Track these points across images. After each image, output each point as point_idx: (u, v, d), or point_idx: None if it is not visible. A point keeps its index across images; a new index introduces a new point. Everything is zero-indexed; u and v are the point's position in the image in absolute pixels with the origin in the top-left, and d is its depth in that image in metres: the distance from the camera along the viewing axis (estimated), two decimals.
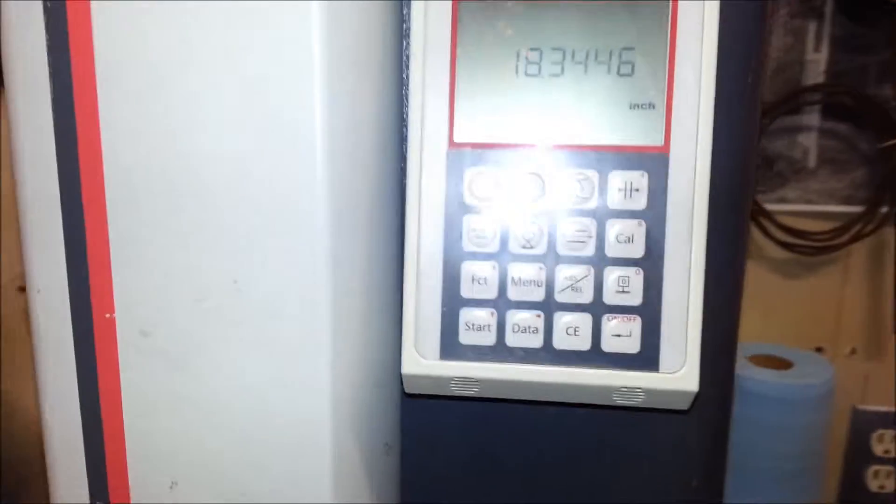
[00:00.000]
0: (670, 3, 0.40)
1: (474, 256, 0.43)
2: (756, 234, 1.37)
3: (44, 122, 0.42)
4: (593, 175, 0.41)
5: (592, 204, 0.41)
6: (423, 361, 0.44)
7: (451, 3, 0.42)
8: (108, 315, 0.44)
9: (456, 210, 0.43)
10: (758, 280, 1.38)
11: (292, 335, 0.42)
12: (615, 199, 0.41)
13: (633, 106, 0.40)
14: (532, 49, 0.41)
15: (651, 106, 0.40)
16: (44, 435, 0.47)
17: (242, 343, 0.42)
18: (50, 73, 0.41)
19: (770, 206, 1.37)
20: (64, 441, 0.46)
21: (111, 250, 0.42)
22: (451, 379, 0.44)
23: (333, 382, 0.42)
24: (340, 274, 0.42)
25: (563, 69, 0.41)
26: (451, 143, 0.43)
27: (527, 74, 0.42)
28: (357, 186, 0.43)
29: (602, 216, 0.41)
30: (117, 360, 0.44)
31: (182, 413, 0.44)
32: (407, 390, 0.45)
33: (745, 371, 1.09)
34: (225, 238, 0.41)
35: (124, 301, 0.43)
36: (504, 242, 0.42)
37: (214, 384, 0.43)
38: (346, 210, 0.42)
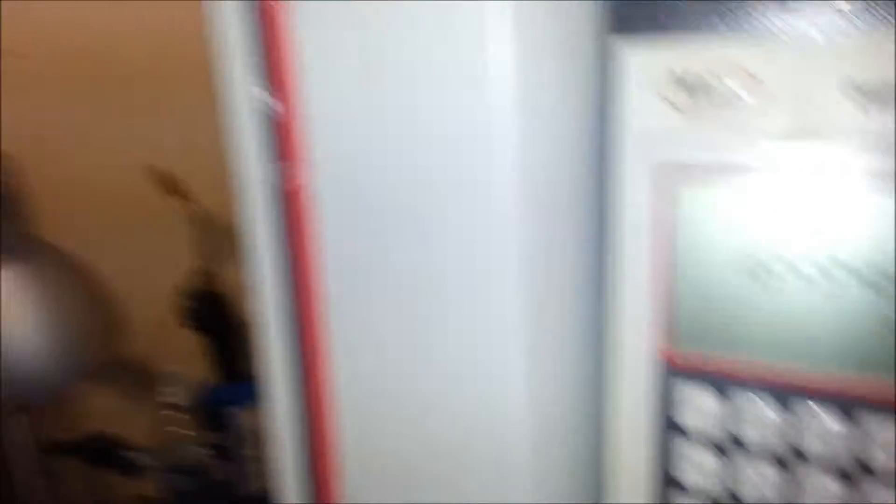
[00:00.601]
0: None
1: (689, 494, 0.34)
2: None
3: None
4: (849, 427, 0.30)
5: (846, 466, 0.30)
6: None
7: (668, 183, 0.33)
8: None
9: (664, 432, 0.34)
10: None
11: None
12: (883, 465, 0.29)
13: None
14: (773, 250, 0.31)
15: None
16: None
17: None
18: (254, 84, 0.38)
19: None
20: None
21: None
22: None
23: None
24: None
25: (808, 278, 0.30)
26: (661, 356, 0.34)
27: (764, 283, 0.31)
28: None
29: (862, 483, 0.30)
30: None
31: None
32: None
33: None
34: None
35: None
36: (727, 488, 0.33)
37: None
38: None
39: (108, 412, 1.11)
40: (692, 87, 0.32)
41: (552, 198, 0.36)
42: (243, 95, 0.37)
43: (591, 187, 0.37)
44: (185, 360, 1.03)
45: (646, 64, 0.33)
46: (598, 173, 0.36)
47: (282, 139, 0.37)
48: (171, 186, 0.95)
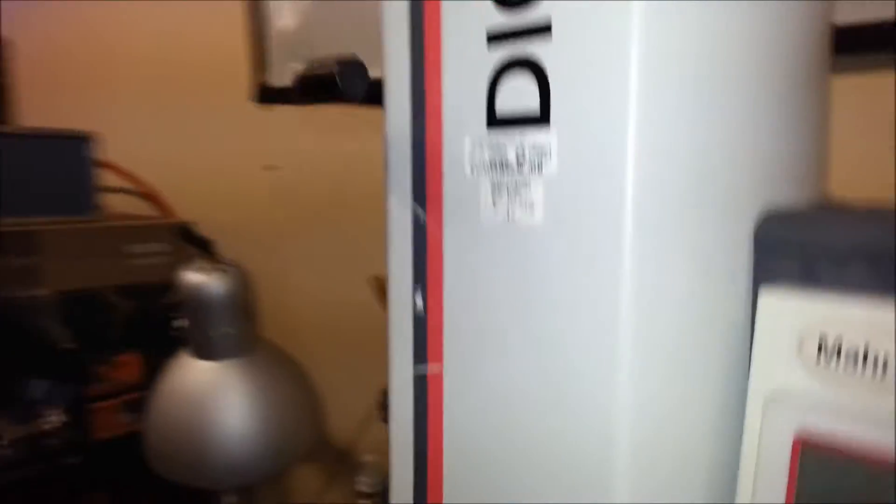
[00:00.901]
0: None
1: None
2: None
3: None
4: None
5: None
6: None
7: (792, 444, 0.32)
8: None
9: None
10: None
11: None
12: None
13: None
14: None
15: None
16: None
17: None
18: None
19: None
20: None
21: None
22: None
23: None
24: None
25: None
26: None
27: None
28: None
29: None
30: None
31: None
32: None
33: None
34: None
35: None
36: None
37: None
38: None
39: (307, 492, 1.19)
40: (837, 350, 0.31)
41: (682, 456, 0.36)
42: (402, 297, 0.42)
43: (727, 439, 0.36)
44: (384, 453, 1.09)
45: (788, 319, 0.33)
46: (735, 426, 0.35)
47: (427, 338, 0.41)
48: (385, 295, 1.02)
